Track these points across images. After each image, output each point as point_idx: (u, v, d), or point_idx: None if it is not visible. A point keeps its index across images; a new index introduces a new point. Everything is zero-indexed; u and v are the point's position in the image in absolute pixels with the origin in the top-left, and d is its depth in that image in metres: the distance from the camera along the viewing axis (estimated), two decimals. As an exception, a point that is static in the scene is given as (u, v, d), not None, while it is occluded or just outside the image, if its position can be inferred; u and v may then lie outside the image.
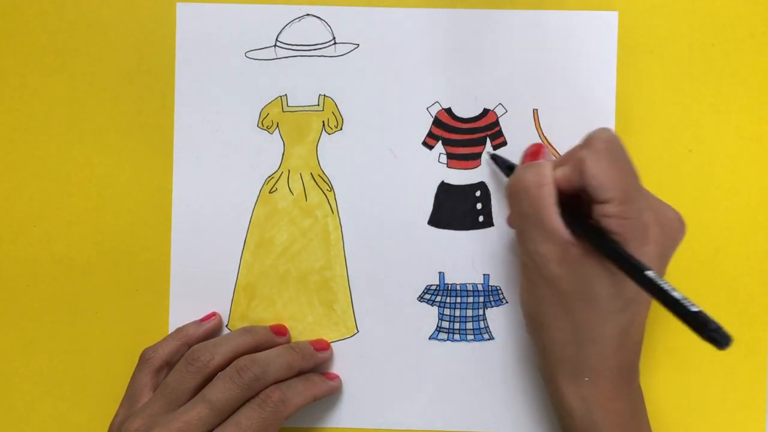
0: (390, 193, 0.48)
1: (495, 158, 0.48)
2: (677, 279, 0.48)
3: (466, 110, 0.48)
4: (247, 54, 0.48)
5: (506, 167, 0.47)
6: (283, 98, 0.48)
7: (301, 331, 0.49)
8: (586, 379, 0.40)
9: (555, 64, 0.48)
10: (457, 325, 0.48)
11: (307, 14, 0.48)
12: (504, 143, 0.48)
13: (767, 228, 0.48)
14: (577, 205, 0.40)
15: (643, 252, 0.38)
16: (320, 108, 0.48)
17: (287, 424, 0.48)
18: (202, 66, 0.48)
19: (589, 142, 0.40)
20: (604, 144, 0.39)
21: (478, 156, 0.49)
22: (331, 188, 0.48)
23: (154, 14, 0.48)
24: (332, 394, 0.47)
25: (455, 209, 0.48)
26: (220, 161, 0.48)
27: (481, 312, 0.48)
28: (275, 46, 0.48)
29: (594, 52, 0.48)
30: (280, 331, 0.47)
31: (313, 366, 0.47)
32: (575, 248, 0.39)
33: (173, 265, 0.48)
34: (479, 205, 0.48)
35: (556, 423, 0.48)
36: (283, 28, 0.48)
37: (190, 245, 0.48)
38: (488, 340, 0.48)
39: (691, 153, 0.48)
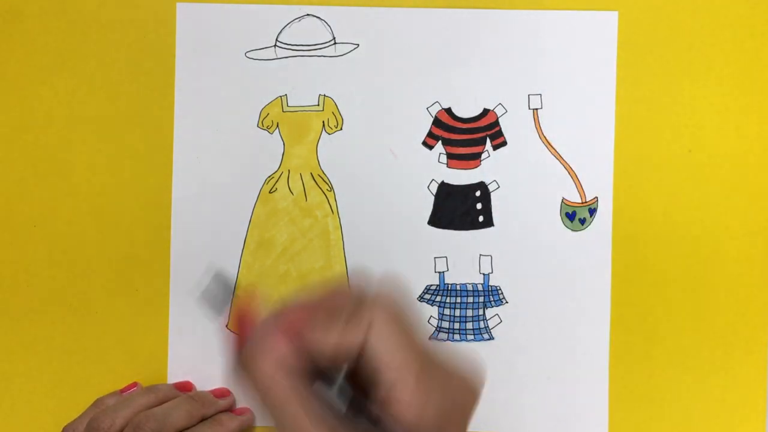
0: (390, 193, 0.48)
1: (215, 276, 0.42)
2: (677, 279, 0.48)
3: (466, 110, 0.48)
4: (247, 54, 0.48)
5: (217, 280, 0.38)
6: (283, 98, 0.48)
7: (301, 331, 0.49)
8: None
9: (555, 64, 0.48)
10: (457, 325, 0.48)
11: (307, 14, 0.48)
12: (504, 143, 0.48)
13: (767, 228, 0.48)
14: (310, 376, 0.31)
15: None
16: (320, 108, 0.48)
17: (287, 424, 0.48)
18: (202, 66, 0.48)
19: (372, 315, 0.31)
20: (385, 316, 0.31)
21: (478, 156, 0.49)
22: (331, 188, 0.48)
23: (154, 14, 0.48)
24: (246, 427, 0.47)
25: (455, 209, 0.48)
26: (220, 161, 0.48)
27: (481, 312, 0.48)
28: (275, 46, 0.48)
29: (594, 52, 0.48)
30: (184, 386, 0.47)
31: (215, 412, 0.46)
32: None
33: (173, 265, 0.48)
34: (479, 205, 0.48)
35: (557, 423, 0.48)
36: (283, 28, 0.48)
37: (190, 245, 0.48)
38: (488, 340, 0.48)
39: (691, 153, 0.48)
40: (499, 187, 0.48)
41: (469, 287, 0.48)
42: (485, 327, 0.48)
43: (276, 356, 0.30)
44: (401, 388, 0.30)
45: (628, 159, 0.48)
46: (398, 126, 0.48)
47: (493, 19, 0.48)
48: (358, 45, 0.48)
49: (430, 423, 0.31)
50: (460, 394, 0.33)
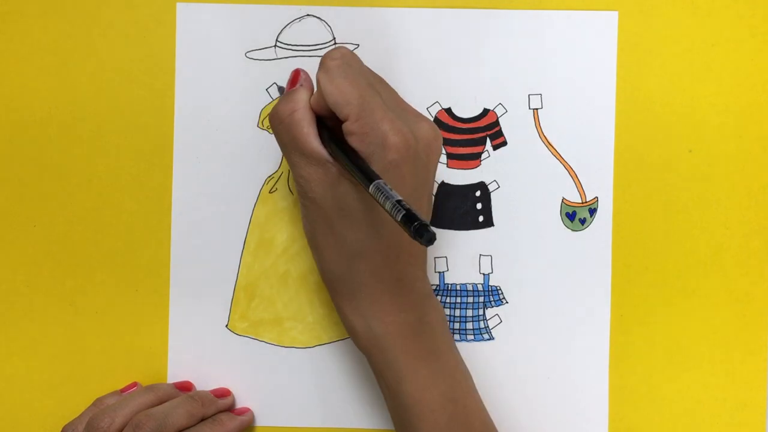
0: (390, 193, 0.48)
1: (280, 89, 0.48)
2: (677, 279, 0.48)
3: (466, 110, 0.48)
4: (247, 54, 0.48)
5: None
6: (283, 98, 0.48)
7: (301, 331, 0.49)
8: (362, 295, 0.41)
9: (555, 64, 0.48)
10: (457, 325, 0.48)
11: (307, 14, 0.48)
12: (504, 143, 0.48)
13: (767, 228, 0.48)
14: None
15: (388, 163, 0.39)
16: (320, 108, 0.48)
17: (286, 425, 0.48)
18: (202, 66, 0.48)
19: (322, 62, 0.41)
20: (335, 62, 0.40)
21: (478, 156, 0.49)
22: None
23: (154, 14, 0.48)
24: (245, 427, 0.47)
25: (455, 209, 0.48)
26: (220, 161, 0.48)
27: (481, 312, 0.48)
28: (275, 46, 0.48)
29: (594, 52, 0.48)
30: (185, 386, 0.47)
31: (215, 412, 0.46)
32: (332, 167, 0.40)
33: (173, 265, 0.48)
34: (479, 205, 0.48)
35: (557, 423, 0.48)
36: (283, 28, 0.48)
37: (190, 245, 0.48)
38: (488, 340, 0.48)
39: (691, 153, 0.48)
40: (499, 187, 0.48)
41: (469, 287, 0.48)
42: (485, 327, 0.48)
43: (300, 97, 0.42)
44: (349, 122, 0.39)
45: (628, 159, 0.48)
46: (398, 126, 0.48)
47: (493, 19, 0.48)
48: (358, 45, 0.48)
49: (374, 150, 0.39)
50: (418, 133, 0.41)
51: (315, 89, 0.43)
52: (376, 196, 0.35)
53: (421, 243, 0.32)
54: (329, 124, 0.42)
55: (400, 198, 0.34)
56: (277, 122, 0.42)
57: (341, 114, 0.40)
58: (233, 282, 0.49)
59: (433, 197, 0.46)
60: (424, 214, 0.43)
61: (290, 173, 0.48)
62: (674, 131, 0.48)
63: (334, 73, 0.40)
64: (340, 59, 0.40)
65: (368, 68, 0.43)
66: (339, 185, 0.40)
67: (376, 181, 0.36)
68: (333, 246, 0.41)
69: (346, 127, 0.40)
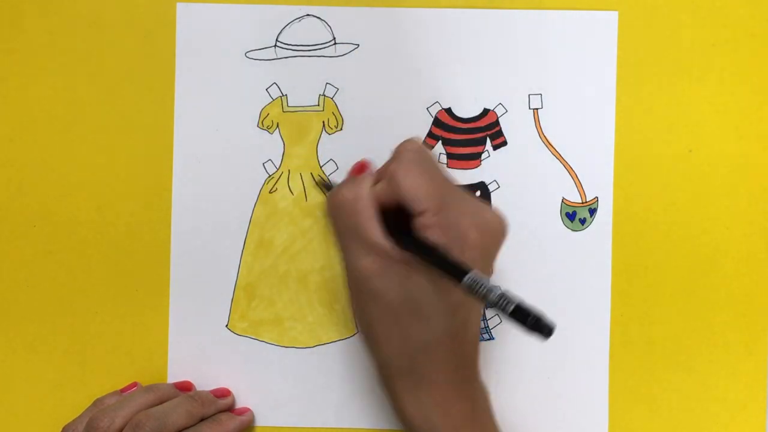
0: (390, 193, 0.48)
1: (317, 182, 0.48)
2: (677, 279, 0.48)
3: (466, 110, 0.48)
4: (247, 54, 0.48)
5: (325, 187, 0.47)
6: (283, 98, 0.48)
7: (301, 331, 0.49)
8: (424, 387, 0.40)
9: (555, 64, 0.48)
10: (457, 325, 0.48)
11: (307, 14, 0.48)
12: (504, 143, 0.48)
13: (767, 228, 0.48)
14: (404, 219, 0.40)
15: (465, 258, 0.38)
16: (320, 108, 0.48)
17: (286, 425, 0.48)
18: (202, 66, 0.48)
19: (397, 154, 0.40)
20: (412, 155, 0.40)
21: (478, 156, 0.49)
22: (332, 188, 0.48)
23: (154, 14, 0.48)
24: (245, 427, 0.47)
25: (455, 209, 0.48)
26: (220, 161, 0.48)
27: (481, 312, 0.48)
28: (275, 46, 0.48)
29: (594, 52, 0.48)
30: (184, 386, 0.47)
31: (215, 412, 0.46)
32: (396, 260, 0.39)
33: (173, 265, 0.48)
34: (479, 205, 0.48)
35: (557, 423, 0.48)
36: (283, 28, 0.48)
37: (190, 245, 0.48)
38: (488, 340, 0.48)
39: (691, 153, 0.48)
40: (499, 187, 0.48)
41: (469, 287, 0.48)
42: (485, 327, 0.48)
43: (364, 185, 0.40)
44: (427, 215, 0.38)
45: (628, 159, 0.48)
46: (398, 126, 0.48)
47: (493, 19, 0.48)
48: (358, 45, 0.48)
49: (454, 244, 0.38)
50: (488, 226, 0.40)
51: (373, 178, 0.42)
52: (473, 287, 0.34)
53: (540, 337, 0.31)
54: (391, 218, 0.40)
55: (504, 289, 0.33)
56: (337, 208, 0.41)
57: (418, 207, 0.38)
58: (233, 282, 0.49)
59: None
60: None
61: (290, 173, 0.48)
62: (674, 131, 0.48)
63: (411, 166, 0.39)
64: (417, 152, 0.40)
65: (437, 159, 0.42)
66: (408, 279, 0.39)
67: (473, 271, 0.35)
68: (396, 340, 0.40)
69: (424, 220, 0.38)
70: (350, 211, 0.40)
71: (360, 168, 0.43)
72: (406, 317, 0.39)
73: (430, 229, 0.38)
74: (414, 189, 0.39)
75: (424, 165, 0.40)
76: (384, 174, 0.40)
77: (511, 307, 0.32)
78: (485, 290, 0.34)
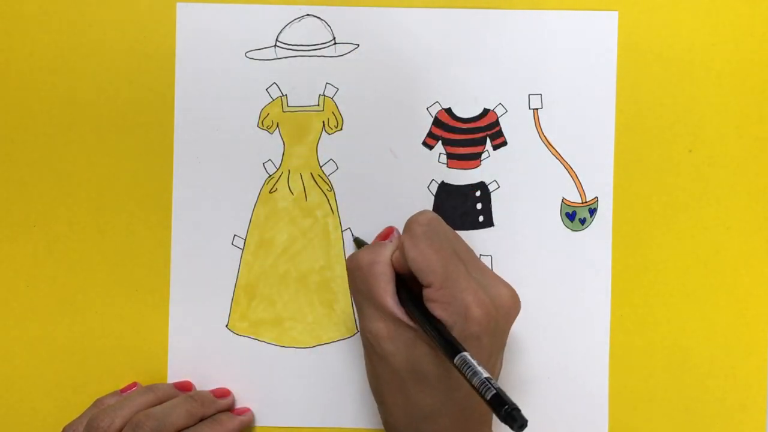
0: (390, 194, 0.48)
1: (354, 239, 0.48)
2: (677, 279, 0.48)
3: (466, 110, 0.48)
4: (247, 54, 0.48)
5: (360, 245, 0.47)
6: (283, 98, 0.48)
7: (301, 331, 0.49)
8: None
9: (555, 64, 0.48)
10: (457, 325, 0.48)
11: (307, 14, 0.48)
12: (504, 143, 0.48)
13: (767, 228, 0.48)
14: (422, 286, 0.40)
15: (467, 334, 0.38)
16: (320, 108, 0.48)
17: (286, 425, 0.48)
18: (202, 66, 0.48)
19: (408, 226, 0.41)
20: (421, 228, 0.40)
21: (478, 156, 0.49)
22: (331, 188, 0.48)
23: (154, 14, 0.48)
24: (245, 427, 0.47)
25: (455, 209, 0.48)
26: (220, 161, 0.48)
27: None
28: (275, 46, 0.48)
29: (594, 52, 0.48)
30: (184, 386, 0.47)
31: (215, 412, 0.46)
32: (406, 327, 0.39)
33: (173, 265, 0.48)
34: (479, 205, 0.48)
35: (557, 423, 0.48)
36: (283, 28, 0.48)
37: (190, 245, 0.48)
38: (488, 340, 0.48)
39: (691, 153, 0.48)
40: (499, 187, 0.48)
41: (469, 287, 0.48)
42: (485, 327, 0.48)
43: (384, 251, 0.41)
44: (431, 289, 0.39)
45: (628, 159, 0.48)
46: (398, 126, 0.48)
47: (493, 19, 0.48)
48: (358, 45, 0.48)
49: (456, 320, 0.38)
50: (498, 301, 0.40)
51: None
52: (461, 368, 0.35)
53: (512, 428, 0.31)
54: (408, 285, 0.41)
55: (488, 375, 0.34)
56: (355, 269, 0.42)
57: (424, 280, 0.39)
58: (233, 282, 0.49)
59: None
60: (497, 375, 0.42)
61: (290, 173, 0.48)
62: (674, 131, 0.48)
63: (420, 239, 0.40)
64: (427, 225, 0.40)
65: (452, 230, 0.42)
66: (415, 347, 0.39)
67: (462, 354, 0.35)
68: (402, 405, 0.40)
69: (429, 294, 0.39)
70: (367, 274, 0.41)
71: (386, 234, 0.44)
72: (412, 384, 0.40)
73: (434, 303, 0.39)
74: (418, 262, 0.39)
75: (433, 239, 0.40)
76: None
77: (490, 395, 0.33)
78: (470, 373, 0.34)
